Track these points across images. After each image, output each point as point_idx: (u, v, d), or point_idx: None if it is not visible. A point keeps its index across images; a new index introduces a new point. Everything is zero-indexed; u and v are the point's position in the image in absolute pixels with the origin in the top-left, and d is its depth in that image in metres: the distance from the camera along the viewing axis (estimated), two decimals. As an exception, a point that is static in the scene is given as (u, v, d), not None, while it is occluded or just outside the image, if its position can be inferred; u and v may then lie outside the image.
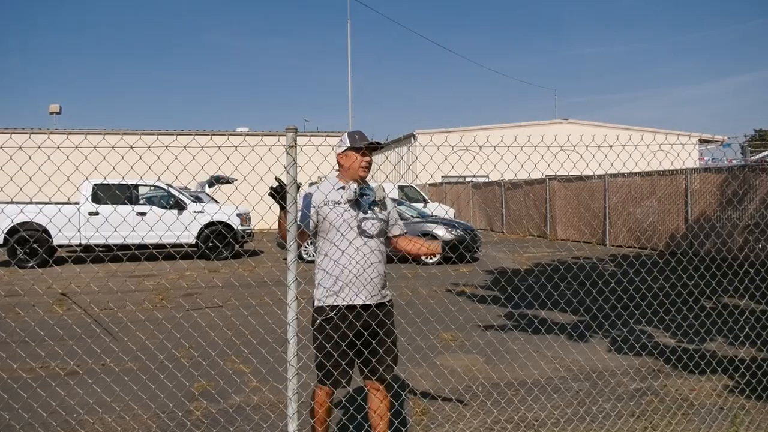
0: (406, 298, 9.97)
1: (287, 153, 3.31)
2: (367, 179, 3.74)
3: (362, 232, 3.60)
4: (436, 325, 7.48)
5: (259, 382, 5.66)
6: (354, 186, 3.59)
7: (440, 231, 16.09)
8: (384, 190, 3.68)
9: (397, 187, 26.27)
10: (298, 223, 3.48)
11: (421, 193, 26.97)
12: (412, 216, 17.13)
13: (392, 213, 3.86)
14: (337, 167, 3.74)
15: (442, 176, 34.81)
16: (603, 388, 5.49)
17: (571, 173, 24.15)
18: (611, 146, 4.03)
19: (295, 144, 3.35)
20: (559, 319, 8.27)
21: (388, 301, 3.75)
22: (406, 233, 3.96)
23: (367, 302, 3.60)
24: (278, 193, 3.31)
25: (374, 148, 3.66)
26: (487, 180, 30.71)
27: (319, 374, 3.59)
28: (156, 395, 5.09)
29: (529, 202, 24.99)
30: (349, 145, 3.61)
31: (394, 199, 18.68)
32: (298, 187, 3.42)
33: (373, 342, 3.69)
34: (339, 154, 3.66)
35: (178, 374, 5.45)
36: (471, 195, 30.65)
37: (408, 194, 26.23)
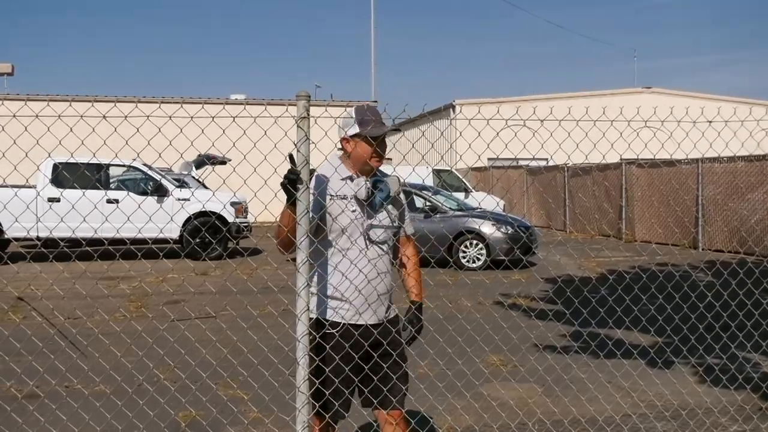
0: (446, 311, 9.96)
1: (298, 126, 3.32)
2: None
3: (373, 237, 3.63)
4: (483, 346, 7.46)
5: (261, 412, 5.70)
6: (365, 182, 3.58)
7: (487, 228, 16.03)
8: (400, 182, 3.65)
9: (432, 171, 26.22)
10: (312, 214, 3.49)
11: (463, 180, 26.90)
12: (451, 208, 17.09)
13: (405, 209, 3.90)
14: (339, 146, 3.72)
15: (489, 159, 34.66)
16: (695, 430, 5.43)
17: (650, 156, 23.91)
18: (710, 122, 3.97)
19: (308, 115, 3.35)
20: (640, 341, 8.20)
21: (395, 316, 3.84)
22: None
23: (375, 321, 3.69)
24: (296, 180, 3.30)
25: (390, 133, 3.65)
26: (547, 164, 30.53)
27: (316, 405, 3.59)
28: (133, 425, 5.15)
29: (601, 192, 24.79)
30: (358, 130, 3.56)
31: (427, 188, 18.66)
32: (312, 171, 3.42)
33: (385, 365, 3.75)
34: (344, 138, 3.64)
35: (161, 400, 5.51)
36: (526, 182, 30.49)
37: (446, 181, 26.18)
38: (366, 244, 3.62)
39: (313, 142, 3.36)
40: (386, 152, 3.69)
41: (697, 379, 6.92)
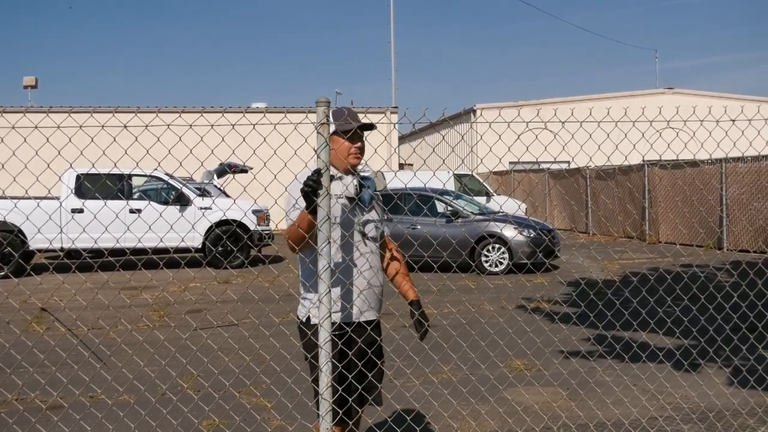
0: (468, 315, 9.95)
1: (318, 132, 3.34)
2: (358, 167, 3.84)
3: (365, 235, 3.75)
4: (506, 350, 7.44)
5: (284, 420, 5.71)
6: (353, 180, 3.70)
7: (509, 232, 15.98)
8: (384, 178, 3.79)
9: (453, 176, 26.19)
10: (290, 218, 3.65)
11: (484, 183, 26.84)
12: (472, 213, 17.06)
13: (384, 210, 4.03)
14: None
15: (510, 162, 34.57)
16: (722, 432, 5.39)
17: (673, 157, 23.74)
18: (733, 121, 3.95)
19: (328, 121, 3.38)
20: (665, 344, 8.15)
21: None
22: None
23: (371, 318, 3.82)
24: (317, 188, 3.34)
25: (366, 129, 3.77)
26: (568, 167, 30.41)
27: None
28: (157, 435, 5.18)
29: (623, 194, 24.67)
30: (333, 128, 3.66)
31: (448, 192, 18.63)
32: (332, 177, 3.46)
33: (379, 363, 3.95)
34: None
35: (184, 409, 5.53)
36: (548, 185, 30.39)
37: (467, 185, 26.12)
38: (363, 240, 3.74)
39: (333, 148, 3.38)
40: (364, 151, 3.82)
41: (724, 381, 6.86)
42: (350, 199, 3.70)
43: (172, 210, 16.90)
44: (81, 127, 3.44)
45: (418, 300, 4.02)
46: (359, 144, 3.73)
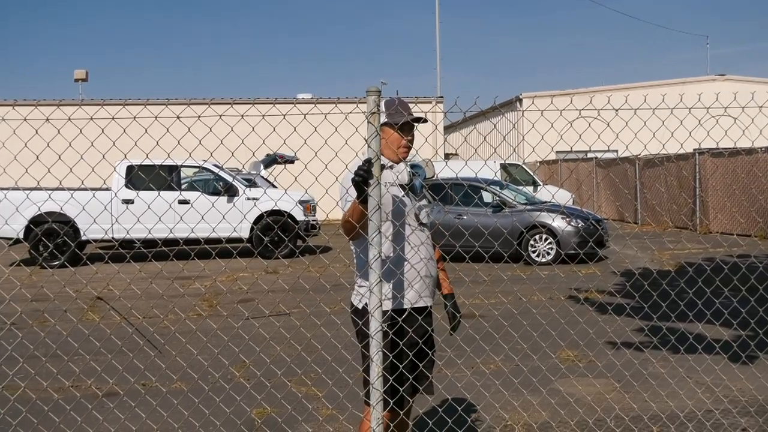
0: (520, 305, 9.89)
1: (368, 122, 3.33)
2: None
3: (420, 222, 3.78)
4: (558, 341, 7.39)
5: (335, 409, 5.74)
6: (405, 168, 3.74)
7: (558, 222, 15.83)
8: (433, 167, 3.81)
9: (500, 166, 25.99)
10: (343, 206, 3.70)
11: (531, 173, 26.61)
12: (520, 203, 16.95)
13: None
14: None
15: (558, 152, 34.16)
16: (781, 426, 5.28)
17: (725, 146, 23.27)
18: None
19: (378, 111, 3.38)
20: (722, 335, 8.01)
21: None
22: None
23: (423, 306, 3.84)
24: (368, 177, 3.34)
25: (418, 122, 3.78)
26: (617, 155, 29.99)
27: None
28: (210, 422, 5.25)
29: (674, 183, 24.28)
30: (385, 119, 3.69)
31: (495, 181, 18.52)
32: (383, 167, 3.46)
33: (430, 352, 3.97)
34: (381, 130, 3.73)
35: (237, 397, 5.59)
36: (596, 175, 30.03)
37: (515, 175, 25.93)
38: (416, 227, 3.77)
39: (384, 139, 3.37)
40: (413, 142, 3.84)
41: (783, 374, 6.72)
42: (402, 187, 3.71)
43: (221, 201, 17.09)
44: (135, 118, 3.48)
45: (452, 293, 4.07)
46: (410, 137, 3.76)
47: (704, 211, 22.71)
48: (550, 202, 18.96)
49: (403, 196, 3.72)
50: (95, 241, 17.33)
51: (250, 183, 18.70)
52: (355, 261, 3.90)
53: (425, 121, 3.77)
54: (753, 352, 7.37)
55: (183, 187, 18.15)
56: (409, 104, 3.84)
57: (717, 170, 22.17)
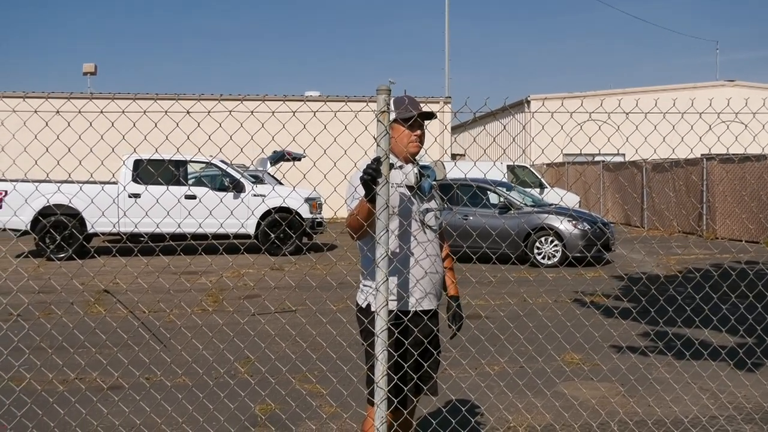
0: (526, 307, 9.88)
1: (378, 120, 3.34)
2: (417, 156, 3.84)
3: (424, 224, 3.76)
4: (564, 343, 7.39)
5: (339, 407, 5.75)
6: (413, 168, 3.71)
7: (564, 225, 15.81)
8: (444, 168, 3.78)
9: (507, 167, 25.98)
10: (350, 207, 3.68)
11: (538, 176, 26.60)
12: (526, 205, 16.95)
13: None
14: None
15: (565, 155, 34.10)
16: (786, 434, 5.27)
17: (735, 152, 23.20)
18: (805, 114, 3.85)
19: (388, 109, 3.38)
20: (728, 341, 7.99)
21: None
22: None
23: (429, 307, 3.82)
24: (377, 176, 3.35)
25: (427, 117, 3.74)
26: (624, 159, 29.92)
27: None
28: (214, 417, 5.26)
29: (681, 188, 24.23)
30: (394, 116, 3.67)
31: (502, 183, 18.51)
32: (392, 166, 3.46)
33: (435, 353, 3.95)
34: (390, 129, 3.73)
35: (241, 393, 5.61)
36: (603, 179, 29.99)
37: (522, 177, 25.92)
38: (422, 229, 3.74)
39: (393, 137, 3.38)
40: (424, 140, 3.81)
41: (788, 382, 6.70)
42: (410, 188, 3.70)
43: (228, 197, 17.11)
44: (145, 112, 3.49)
45: (458, 296, 4.07)
46: (419, 132, 3.73)
47: (712, 217, 22.66)
48: (557, 204, 18.97)
49: (408, 199, 3.72)
50: (102, 234, 17.38)
51: (257, 180, 18.73)
52: (360, 259, 3.91)
53: (434, 116, 3.77)
54: (759, 359, 7.35)
55: (190, 182, 18.18)
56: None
57: (726, 176, 22.10)
